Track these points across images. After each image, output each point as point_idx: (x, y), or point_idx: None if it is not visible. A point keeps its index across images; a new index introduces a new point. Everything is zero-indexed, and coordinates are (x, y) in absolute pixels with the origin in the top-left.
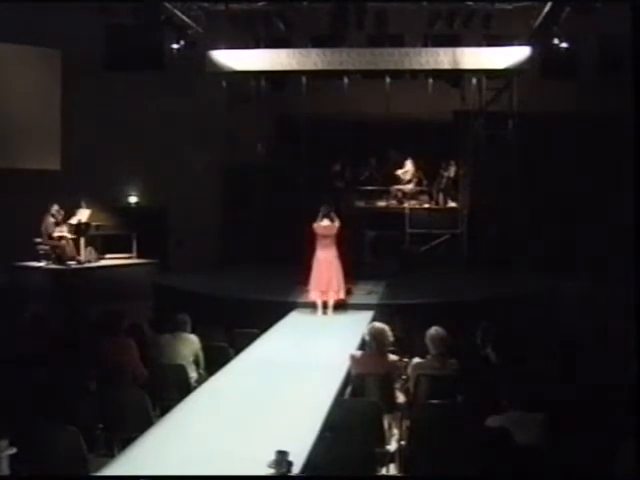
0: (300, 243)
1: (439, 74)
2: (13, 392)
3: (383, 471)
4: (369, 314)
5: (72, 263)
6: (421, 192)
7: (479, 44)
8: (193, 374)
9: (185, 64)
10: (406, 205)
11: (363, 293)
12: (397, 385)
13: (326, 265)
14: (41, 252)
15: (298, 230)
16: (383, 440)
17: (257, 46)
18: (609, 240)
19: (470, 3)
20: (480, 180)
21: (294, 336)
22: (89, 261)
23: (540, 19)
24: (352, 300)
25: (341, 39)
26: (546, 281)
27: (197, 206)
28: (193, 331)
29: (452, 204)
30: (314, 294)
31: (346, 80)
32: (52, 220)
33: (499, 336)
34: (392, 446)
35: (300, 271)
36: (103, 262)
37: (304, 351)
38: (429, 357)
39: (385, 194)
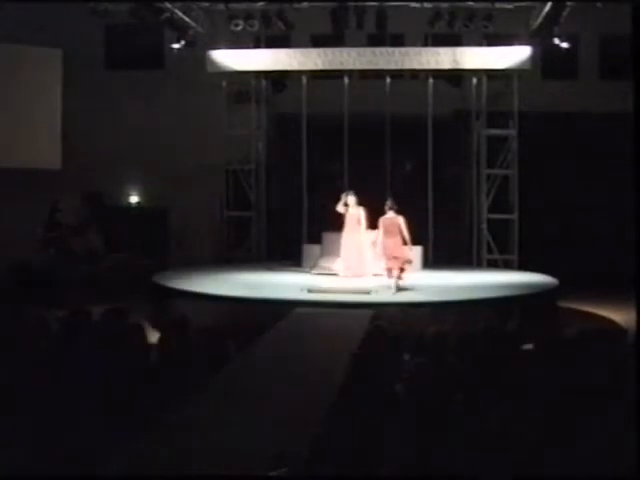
0: (299, 242)
1: (439, 74)
2: (13, 392)
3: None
4: (369, 314)
5: (73, 263)
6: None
7: (479, 44)
8: None
9: (185, 64)
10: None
11: (363, 293)
12: (397, 384)
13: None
14: (42, 252)
15: (298, 229)
16: None
17: (257, 46)
18: (609, 239)
19: (470, 3)
20: (480, 180)
21: (294, 335)
22: (90, 261)
23: (540, 19)
24: (352, 300)
25: (341, 39)
26: (546, 280)
27: (197, 206)
28: None
29: (453, 204)
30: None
31: (346, 80)
32: (53, 220)
33: (500, 336)
34: None
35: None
36: (103, 262)
37: (304, 351)
38: (430, 357)
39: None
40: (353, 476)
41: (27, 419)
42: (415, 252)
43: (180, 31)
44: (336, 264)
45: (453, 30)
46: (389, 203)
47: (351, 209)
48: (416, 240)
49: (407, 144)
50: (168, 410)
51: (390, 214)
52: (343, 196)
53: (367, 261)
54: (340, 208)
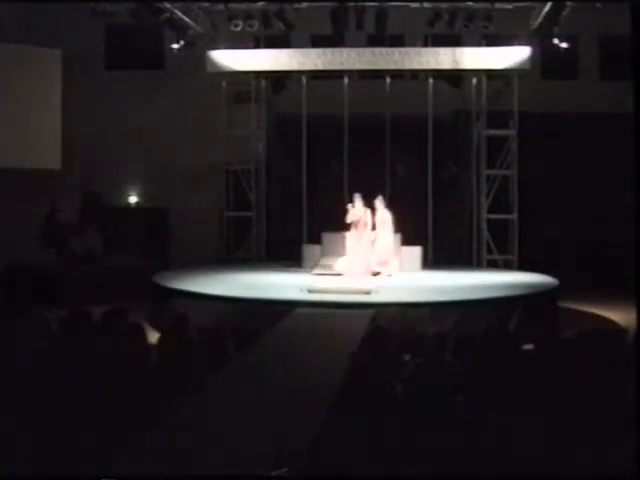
0: (299, 242)
1: (439, 74)
2: (13, 392)
3: None
4: (369, 314)
5: (73, 263)
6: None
7: (479, 44)
8: None
9: (185, 64)
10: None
11: (363, 293)
12: (397, 385)
13: None
14: (42, 252)
15: (298, 229)
16: None
17: (257, 46)
18: (609, 240)
19: (470, 3)
20: (480, 180)
21: (294, 335)
22: (90, 261)
23: (540, 19)
24: (352, 300)
25: (341, 39)
26: (546, 280)
27: (197, 206)
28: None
29: (453, 204)
30: None
31: (346, 80)
32: (53, 220)
33: (500, 336)
34: None
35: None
36: (103, 262)
37: (304, 351)
38: (430, 357)
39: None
40: (353, 476)
41: (27, 419)
42: (415, 252)
43: (180, 31)
44: (338, 263)
45: (453, 30)
46: (382, 199)
47: (358, 211)
48: (416, 240)
49: (407, 144)
50: (168, 410)
51: (383, 210)
52: (350, 206)
53: (371, 261)
54: (350, 218)
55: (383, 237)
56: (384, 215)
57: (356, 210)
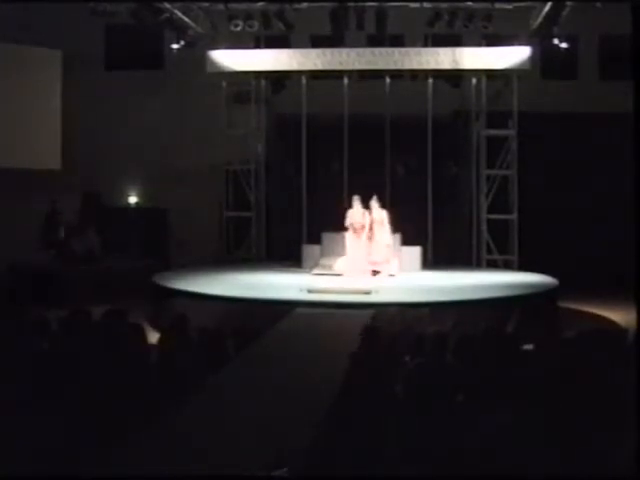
0: (299, 242)
1: (439, 74)
2: (13, 392)
3: None
4: (369, 314)
5: (72, 263)
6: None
7: (479, 44)
8: None
9: (185, 64)
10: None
11: (363, 293)
12: (397, 385)
13: None
14: (42, 252)
15: (298, 229)
16: None
17: (257, 46)
18: (609, 240)
19: (470, 3)
20: (480, 180)
21: (294, 335)
22: (89, 261)
23: (540, 19)
24: (352, 300)
25: (341, 39)
26: (546, 280)
27: (197, 206)
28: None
29: (453, 204)
30: None
31: (346, 80)
32: (54, 220)
33: (500, 336)
34: None
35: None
36: (103, 262)
37: (304, 351)
38: (429, 357)
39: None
40: (353, 476)
41: (27, 419)
42: (414, 252)
43: (180, 31)
44: (338, 264)
45: (453, 30)
46: (376, 199)
47: (356, 214)
48: (416, 240)
49: (407, 144)
50: (168, 410)
51: (378, 209)
52: (349, 212)
53: (370, 260)
54: (348, 221)
55: (380, 236)
56: (380, 215)
57: (354, 212)
